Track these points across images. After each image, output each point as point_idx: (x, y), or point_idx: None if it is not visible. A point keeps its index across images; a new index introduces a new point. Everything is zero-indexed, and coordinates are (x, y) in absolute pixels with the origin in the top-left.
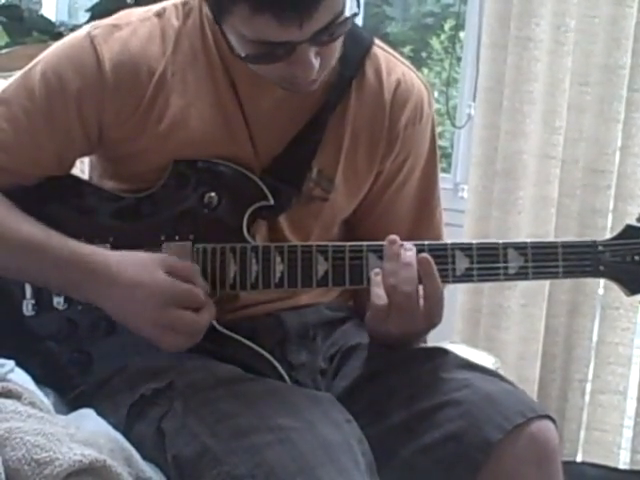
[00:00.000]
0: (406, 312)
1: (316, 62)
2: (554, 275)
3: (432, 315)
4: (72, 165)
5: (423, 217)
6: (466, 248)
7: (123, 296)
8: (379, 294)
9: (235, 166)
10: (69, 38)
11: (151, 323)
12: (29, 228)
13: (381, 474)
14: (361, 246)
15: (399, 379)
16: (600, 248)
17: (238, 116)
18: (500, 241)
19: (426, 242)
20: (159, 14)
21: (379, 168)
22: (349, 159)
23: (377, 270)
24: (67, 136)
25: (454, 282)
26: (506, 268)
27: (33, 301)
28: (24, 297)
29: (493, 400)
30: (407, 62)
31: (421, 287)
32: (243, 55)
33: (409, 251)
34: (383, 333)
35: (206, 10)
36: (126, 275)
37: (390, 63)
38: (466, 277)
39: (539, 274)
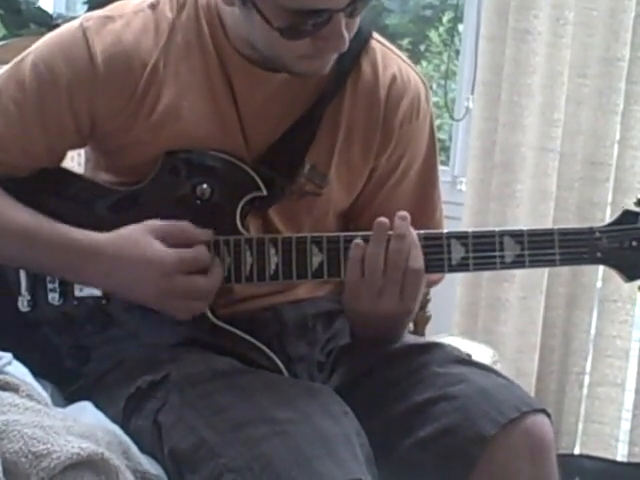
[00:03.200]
0: (376, 289)
1: (346, 34)
2: (551, 263)
3: (404, 298)
4: (63, 157)
5: (423, 214)
6: (462, 237)
7: (125, 274)
8: (353, 268)
9: (228, 157)
10: (61, 29)
11: (159, 294)
12: (21, 215)
13: (378, 468)
14: (355, 236)
15: (395, 373)
16: (597, 234)
17: (231, 109)
18: (496, 229)
19: (421, 231)
20: (153, 6)
21: (374, 164)
22: (343, 155)
23: (359, 241)
24: (58, 128)
25: (450, 272)
26: (502, 257)
27: (28, 297)
28: (19, 293)
29: (488, 394)
30: (405, 57)
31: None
32: (279, 27)
33: (403, 220)
34: (356, 313)
35: (202, 2)
36: (123, 253)
37: (387, 57)
38: (462, 267)
39: (536, 262)
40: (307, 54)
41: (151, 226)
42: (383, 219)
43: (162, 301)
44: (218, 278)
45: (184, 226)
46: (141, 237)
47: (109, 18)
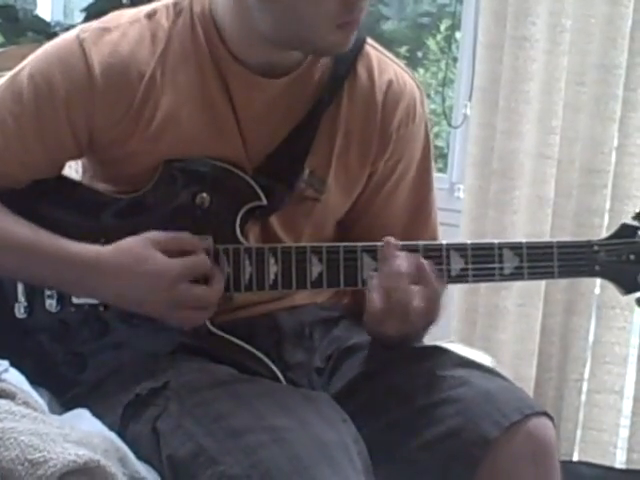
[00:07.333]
0: (401, 316)
1: None
2: (550, 275)
3: (429, 314)
4: (62, 168)
5: (418, 218)
6: (461, 248)
7: (126, 287)
8: (373, 298)
9: (227, 166)
10: (57, 41)
11: (162, 305)
12: (21, 229)
13: (380, 472)
14: (355, 247)
15: (397, 377)
16: (595, 248)
17: (229, 116)
18: (495, 241)
19: (421, 242)
20: (149, 15)
21: (371, 169)
22: (341, 159)
23: (372, 273)
24: (56, 140)
25: (449, 283)
26: (501, 269)
27: (25, 304)
28: (16, 300)
29: (491, 397)
30: (399, 62)
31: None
32: None
33: (399, 259)
34: (380, 335)
35: (197, 9)
36: (125, 268)
37: (382, 63)
38: (461, 278)
39: (534, 274)
40: (339, 15)
41: (151, 238)
42: (389, 238)
43: (168, 312)
44: (220, 287)
45: (183, 235)
46: (142, 250)
47: (105, 29)
